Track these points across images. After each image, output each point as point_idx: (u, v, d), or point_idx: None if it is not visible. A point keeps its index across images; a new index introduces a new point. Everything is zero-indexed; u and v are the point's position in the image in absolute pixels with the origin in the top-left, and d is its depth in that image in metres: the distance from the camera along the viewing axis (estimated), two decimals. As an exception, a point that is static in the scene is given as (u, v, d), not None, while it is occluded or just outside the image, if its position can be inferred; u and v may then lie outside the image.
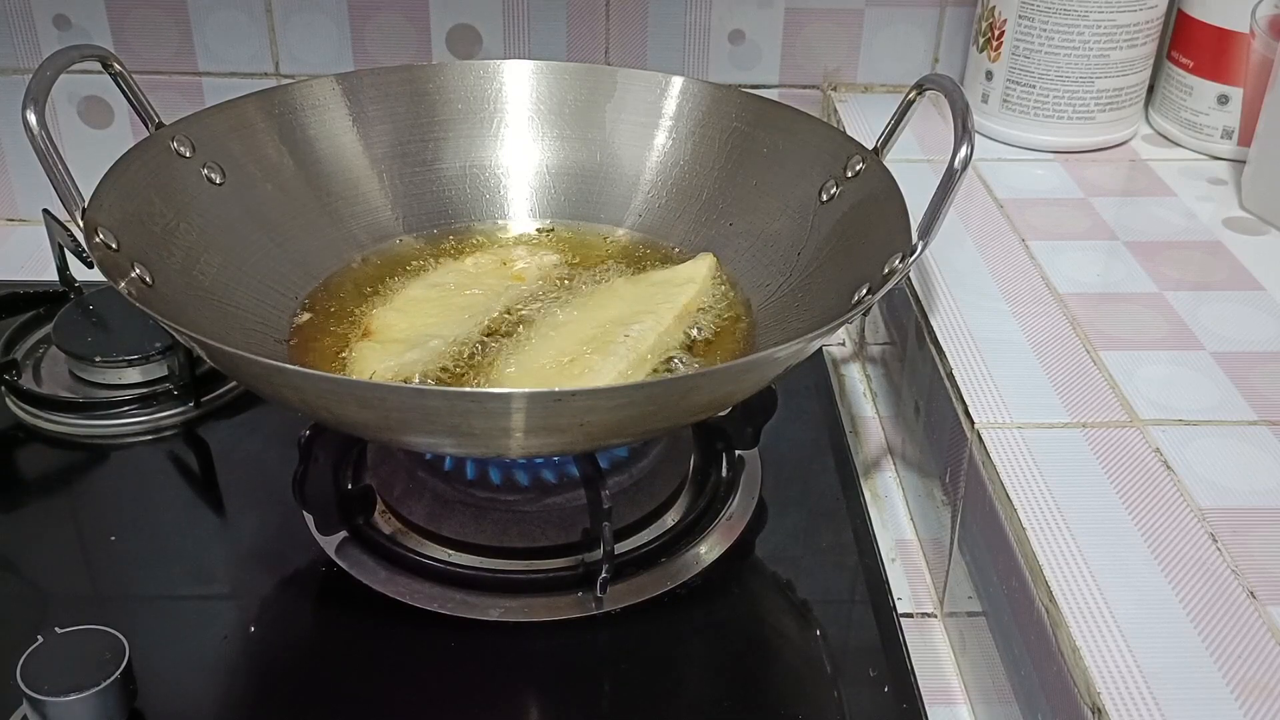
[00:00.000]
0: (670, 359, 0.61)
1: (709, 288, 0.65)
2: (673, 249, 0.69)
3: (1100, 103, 0.78)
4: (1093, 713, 0.40)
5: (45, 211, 0.74)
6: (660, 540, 0.59)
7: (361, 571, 0.58)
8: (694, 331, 0.63)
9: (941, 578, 0.58)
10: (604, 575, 0.55)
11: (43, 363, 0.73)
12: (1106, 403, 0.53)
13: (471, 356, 0.60)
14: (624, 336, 0.60)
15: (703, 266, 0.66)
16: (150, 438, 0.69)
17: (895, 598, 0.58)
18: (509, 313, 0.64)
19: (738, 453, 0.65)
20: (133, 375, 0.70)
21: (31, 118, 0.54)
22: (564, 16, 0.84)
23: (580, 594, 0.56)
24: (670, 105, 0.71)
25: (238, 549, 0.61)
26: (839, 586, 0.59)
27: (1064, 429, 0.52)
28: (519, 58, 0.76)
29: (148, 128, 0.63)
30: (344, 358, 0.61)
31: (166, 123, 0.63)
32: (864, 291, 0.55)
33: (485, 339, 0.62)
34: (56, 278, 0.76)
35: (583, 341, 0.60)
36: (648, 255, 0.69)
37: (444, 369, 0.60)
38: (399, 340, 0.61)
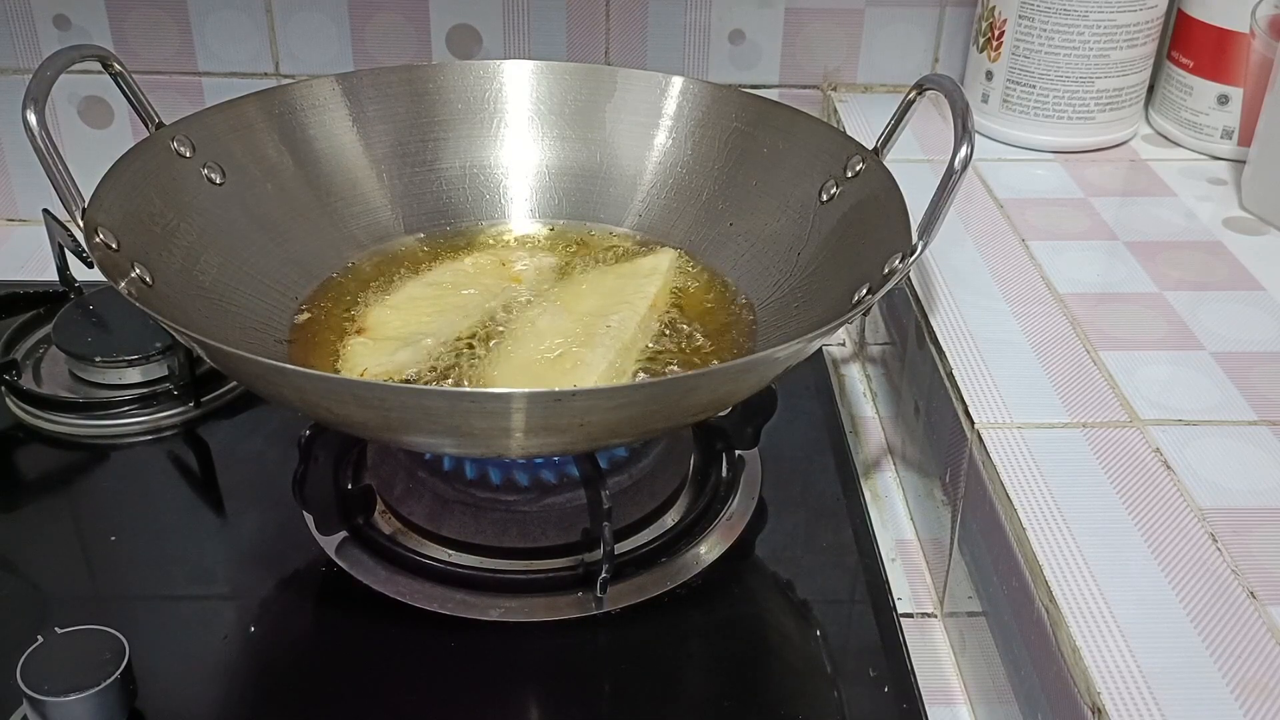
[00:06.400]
0: (660, 351, 0.61)
1: (674, 280, 0.66)
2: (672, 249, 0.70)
3: (1100, 103, 0.78)
4: (1093, 713, 0.40)
5: (45, 211, 0.74)
6: (660, 540, 0.59)
7: (361, 571, 0.58)
8: (677, 319, 0.64)
9: (941, 578, 0.58)
10: (604, 575, 0.55)
11: (43, 363, 0.73)
12: (1106, 403, 0.53)
13: (463, 355, 0.61)
14: (606, 327, 0.61)
15: (664, 259, 0.67)
16: (150, 438, 0.69)
17: (895, 598, 0.58)
18: (504, 313, 0.64)
19: (738, 453, 0.65)
20: (133, 375, 0.70)
21: (31, 118, 0.54)
22: (564, 16, 0.84)
23: (580, 594, 0.56)
24: (670, 105, 0.71)
25: (238, 549, 0.61)
26: (839, 586, 0.59)
27: (1064, 429, 0.52)
28: (519, 58, 0.76)
29: (148, 128, 0.63)
30: (341, 356, 0.61)
31: (166, 123, 0.63)
32: (864, 291, 0.55)
33: (476, 338, 0.62)
34: (56, 278, 0.76)
35: (567, 336, 0.61)
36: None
37: (435, 367, 0.60)
38: (392, 338, 0.61)
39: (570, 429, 0.47)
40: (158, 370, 0.71)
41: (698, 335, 0.63)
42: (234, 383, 0.71)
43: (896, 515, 0.65)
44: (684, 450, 0.64)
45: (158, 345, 0.70)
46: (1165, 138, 0.81)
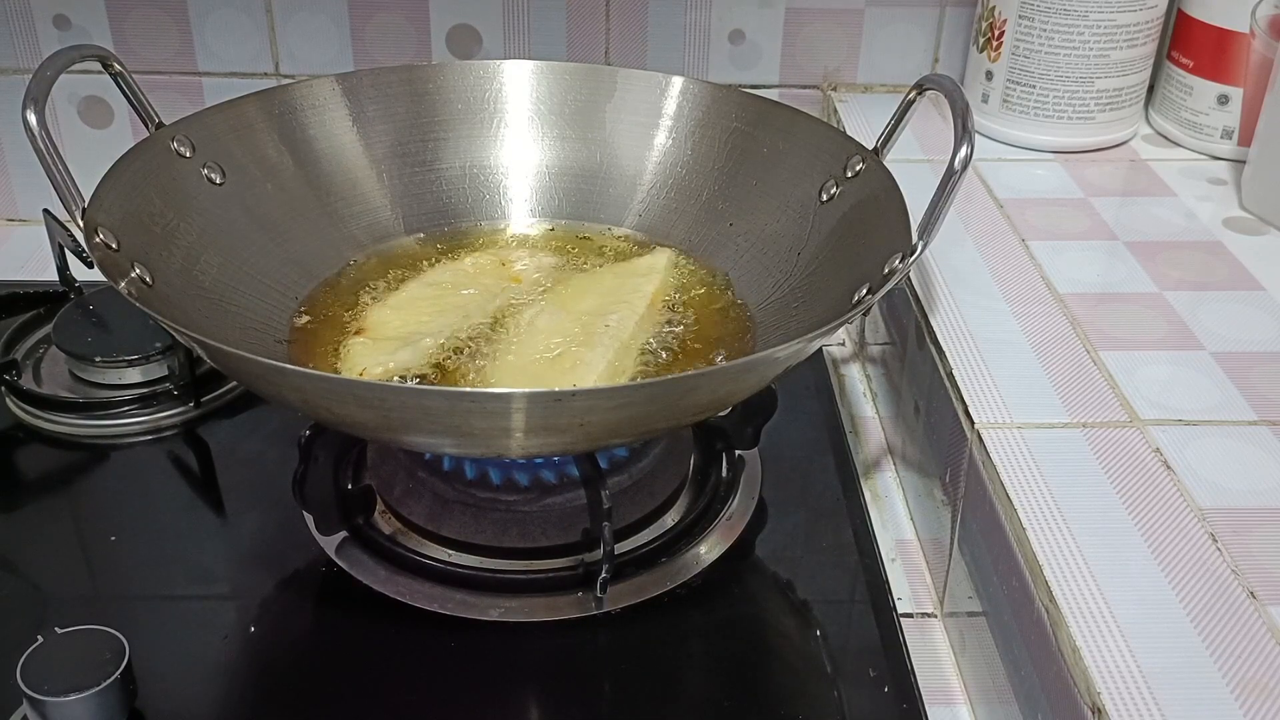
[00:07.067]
0: (660, 351, 0.61)
1: (671, 280, 0.66)
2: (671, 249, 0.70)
3: (1100, 103, 0.78)
4: (1093, 713, 0.40)
5: (45, 211, 0.74)
6: (660, 540, 0.59)
7: (361, 571, 0.58)
8: (675, 318, 0.64)
9: (941, 578, 0.58)
10: (604, 575, 0.55)
11: (43, 363, 0.73)
12: (1106, 403, 0.53)
13: (462, 355, 0.61)
14: (604, 327, 0.61)
15: (661, 259, 0.67)
16: (150, 438, 0.69)
17: (895, 598, 0.58)
18: (503, 313, 0.64)
19: (738, 453, 0.65)
20: (133, 375, 0.70)
21: (31, 118, 0.54)
22: (564, 16, 0.84)
23: (580, 594, 0.56)
24: (670, 105, 0.71)
25: (238, 549, 0.61)
26: (839, 586, 0.59)
27: (1064, 429, 0.52)
28: (519, 58, 0.76)
29: (148, 128, 0.63)
30: (340, 355, 0.61)
31: (166, 123, 0.63)
32: (864, 291, 0.55)
33: (475, 338, 0.62)
34: (56, 278, 0.76)
35: (566, 335, 0.61)
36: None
37: (435, 367, 0.60)
38: (391, 338, 0.61)
39: (570, 429, 0.47)
40: (158, 370, 0.71)
41: (697, 335, 0.63)
42: (234, 383, 0.71)
43: (896, 515, 0.65)
44: (684, 450, 0.64)
45: (158, 345, 0.70)
46: (1165, 138, 0.81)
